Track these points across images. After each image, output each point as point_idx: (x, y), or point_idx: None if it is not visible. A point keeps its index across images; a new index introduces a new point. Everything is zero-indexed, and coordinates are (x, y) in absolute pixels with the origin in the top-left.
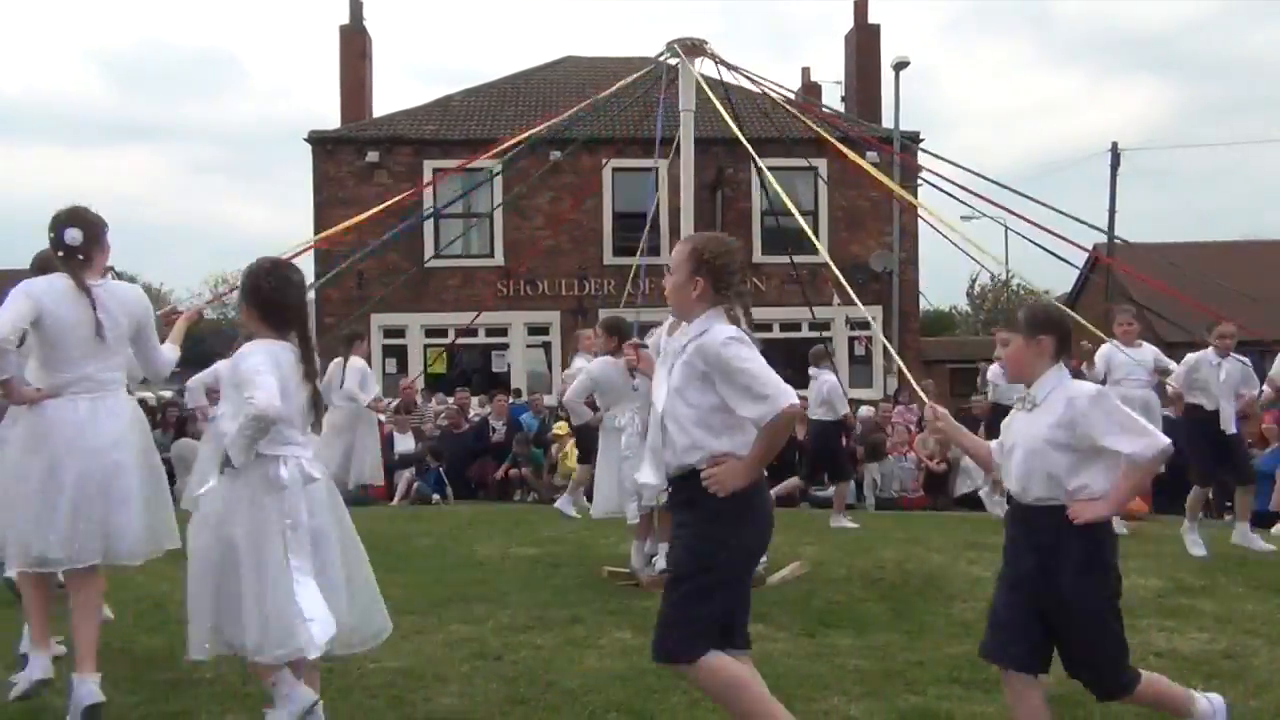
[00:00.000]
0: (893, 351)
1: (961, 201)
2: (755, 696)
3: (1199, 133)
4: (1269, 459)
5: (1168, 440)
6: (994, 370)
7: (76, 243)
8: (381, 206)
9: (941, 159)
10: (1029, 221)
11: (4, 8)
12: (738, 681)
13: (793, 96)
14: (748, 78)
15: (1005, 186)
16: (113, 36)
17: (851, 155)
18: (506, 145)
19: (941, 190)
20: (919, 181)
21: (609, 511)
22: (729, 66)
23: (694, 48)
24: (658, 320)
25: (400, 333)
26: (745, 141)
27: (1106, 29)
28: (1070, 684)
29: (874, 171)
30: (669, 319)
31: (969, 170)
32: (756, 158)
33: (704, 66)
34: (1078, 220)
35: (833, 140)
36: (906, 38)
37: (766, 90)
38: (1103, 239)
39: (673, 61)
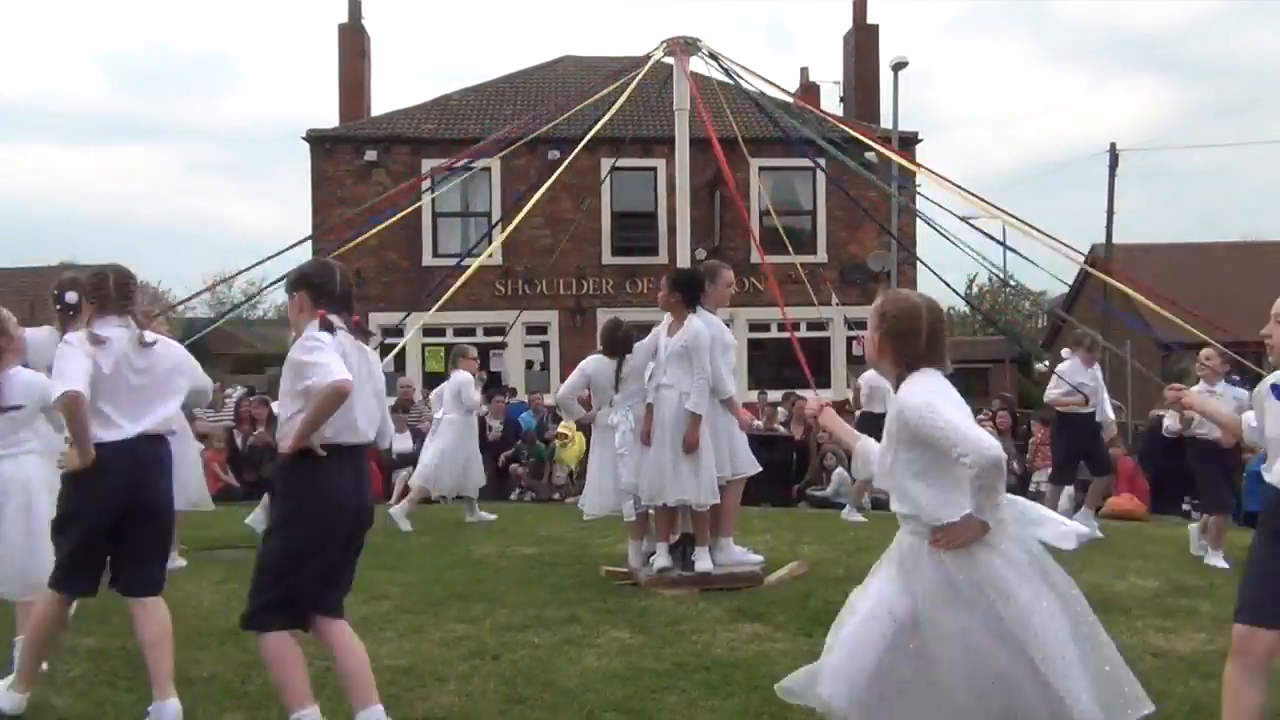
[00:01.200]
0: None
1: (950, 212)
2: None
3: (1197, 133)
4: (1262, 461)
5: None
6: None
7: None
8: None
9: (934, 173)
10: (1025, 224)
11: (5, 8)
12: None
13: (790, 96)
14: (739, 76)
15: (991, 204)
16: (112, 36)
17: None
18: (506, 140)
19: (933, 199)
20: (917, 184)
21: (604, 509)
22: (724, 66)
23: (688, 46)
24: (654, 320)
25: (399, 332)
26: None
27: (1105, 29)
28: None
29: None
30: (666, 319)
31: (960, 188)
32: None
33: (702, 67)
34: (1052, 240)
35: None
36: (905, 38)
37: (763, 89)
38: (1101, 240)
39: (667, 60)
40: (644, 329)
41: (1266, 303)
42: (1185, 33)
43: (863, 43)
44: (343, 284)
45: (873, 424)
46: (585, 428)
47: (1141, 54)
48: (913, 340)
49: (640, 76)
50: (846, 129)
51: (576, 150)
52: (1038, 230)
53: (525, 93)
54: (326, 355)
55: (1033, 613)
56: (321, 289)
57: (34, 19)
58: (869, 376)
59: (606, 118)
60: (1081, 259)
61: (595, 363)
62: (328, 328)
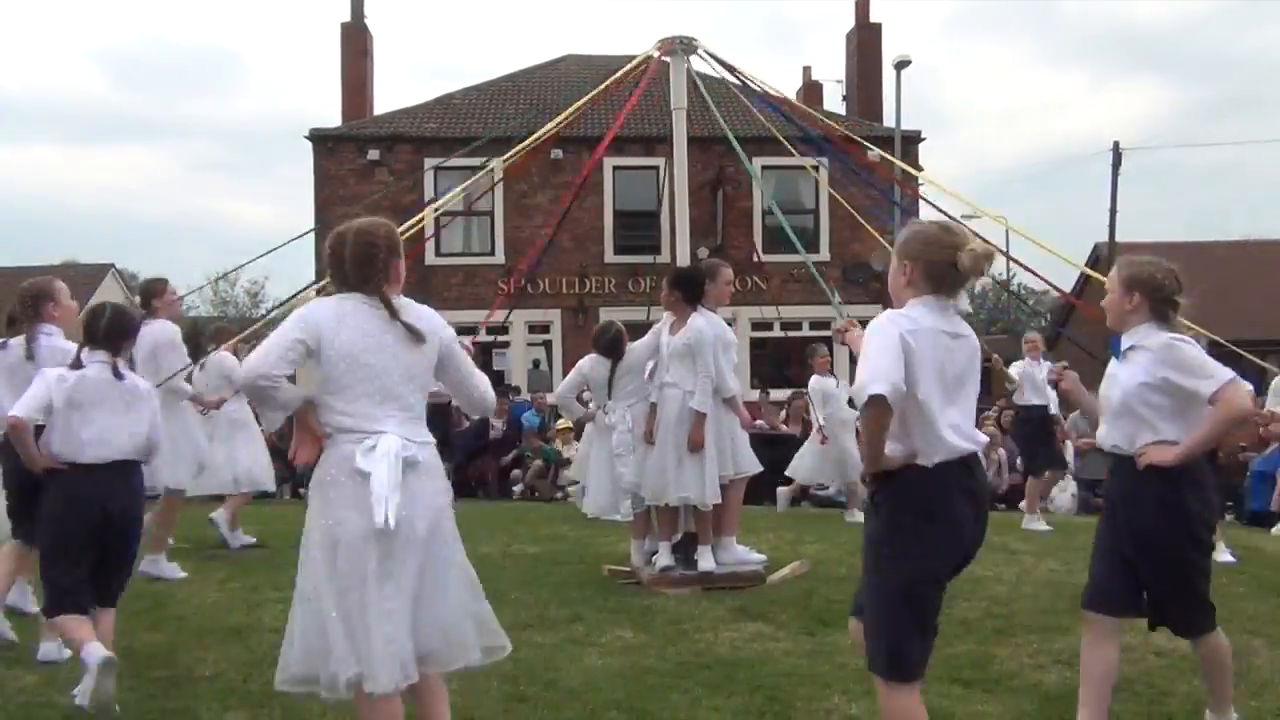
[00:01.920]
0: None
1: (951, 215)
2: None
3: (1200, 132)
4: (1266, 461)
5: None
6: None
7: None
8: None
9: (936, 191)
10: (1022, 238)
11: (5, 6)
12: None
13: (789, 97)
14: (739, 77)
15: (985, 229)
16: (114, 34)
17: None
18: (516, 151)
19: (936, 205)
20: (920, 182)
21: (603, 510)
22: (723, 65)
23: (684, 45)
24: (655, 320)
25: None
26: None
27: (1108, 28)
28: (1069, 682)
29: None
30: (666, 318)
31: (950, 219)
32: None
33: (700, 67)
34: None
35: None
36: (908, 36)
37: (763, 89)
38: (1104, 238)
39: (665, 59)
40: (644, 328)
41: (1267, 301)
42: (1187, 31)
43: (865, 41)
44: (108, 327)
45: (1034, 412)
46: (584, 426)
47: (1143, 52)
48: (338, 265)
49: (626, 73)
50: (844, 131)
51: (517, 153)
52: (1030, 246)
53: (528, 92)
54: (29, 392)
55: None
56: (88, 329)
57: (32, 17)
58: (1017, 367)
59: (570, 115)
60: (1078, 267)
61: (591, 362)
62: (76, 364)
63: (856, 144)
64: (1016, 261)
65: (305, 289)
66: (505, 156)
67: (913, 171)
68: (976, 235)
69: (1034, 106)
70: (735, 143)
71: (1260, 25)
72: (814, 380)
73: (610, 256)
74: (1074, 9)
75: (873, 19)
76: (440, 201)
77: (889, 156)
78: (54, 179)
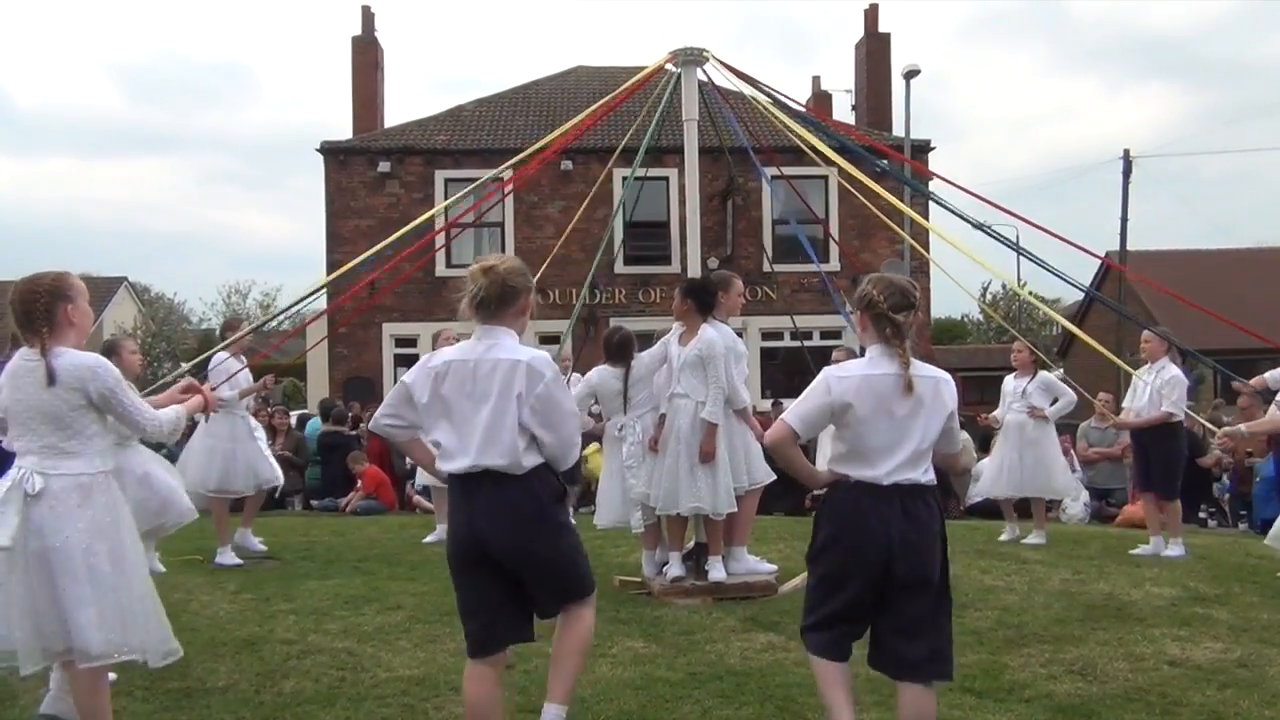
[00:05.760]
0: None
1: (964, 218)
2: None
3: (1214, 139)
4: (1275, 467)
5: None
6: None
7: None
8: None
9: (945, 180)
10: (1041, 229)
11: (20, 21)
12: None
13: (800, 106)
14: (753, 84)
15: (1005, 211)
16: (127, 48)
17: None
18: (524, 156)
19: (945, 206)
20: (929, 192)
21: (615, 521)
22: (738, 74)
23: (695, 57)
24: (665, 329)
25: (412, 342)
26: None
27: (1120, 34)
28: (1081, 692)
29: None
30: (676, 328)
31: (970, 203)
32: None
33: (713, 76)
34: (1069, 242)
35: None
36: (920, 43)
37: (773, 98)
38: (1115, 247)
39: (675, 70)
40: (648, 338)
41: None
42: (1200, 37)
43: (874, 51)
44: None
45: None
46: (594, 438)
47: (1156, 59)
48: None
49: (638, 85)
50: (855, 139)
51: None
52: (1053, 234)
53: (538, 103)
54: None
55: None
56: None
57: (48, 32)
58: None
59: (574, 125)
60: (1098, 259)
61: (600, 374)
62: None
63: (869, 153)
64: (1033, 259)
65: (307, 297)
66: (509, 164)
67: (922, 178)
68: (995, 236)
69: (1046, 114)
70: (752, 154)
71: (1274, 31)
72: None
73: (620, 267)
74: (1086, 16)
75: (882, 29)
76: (440, 207)
77: (903, 164)
78: (67, 192)
